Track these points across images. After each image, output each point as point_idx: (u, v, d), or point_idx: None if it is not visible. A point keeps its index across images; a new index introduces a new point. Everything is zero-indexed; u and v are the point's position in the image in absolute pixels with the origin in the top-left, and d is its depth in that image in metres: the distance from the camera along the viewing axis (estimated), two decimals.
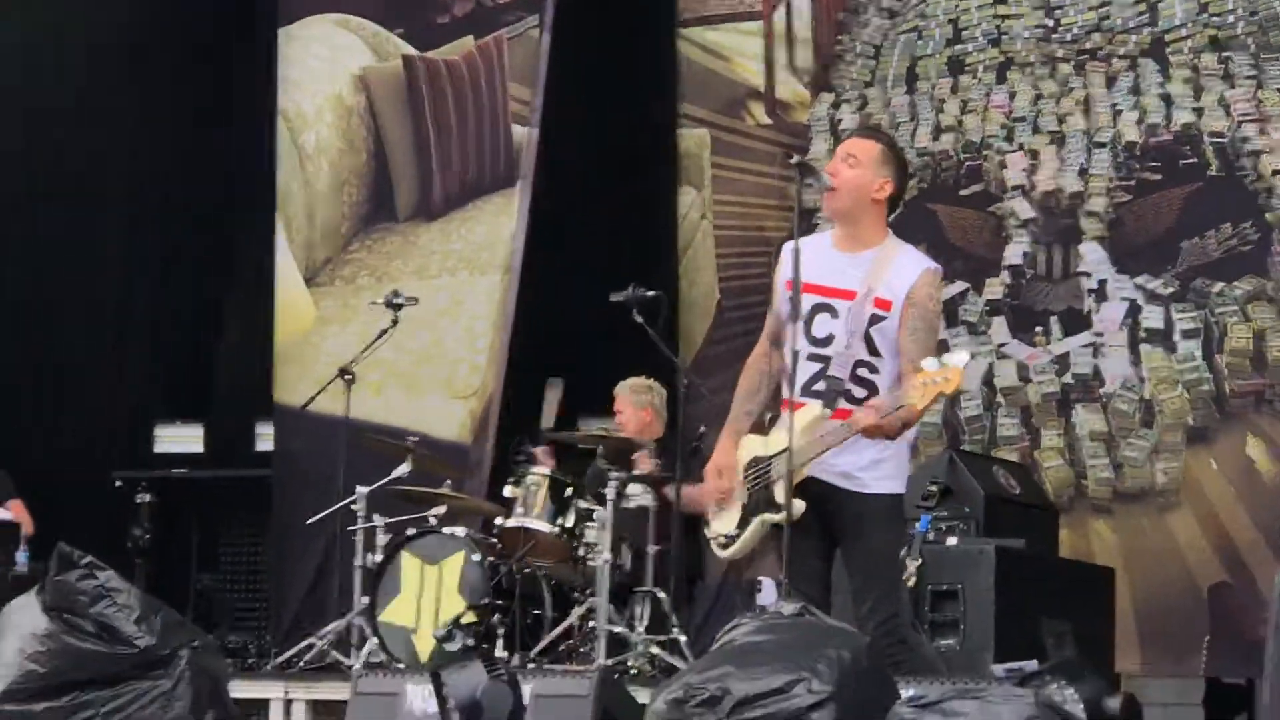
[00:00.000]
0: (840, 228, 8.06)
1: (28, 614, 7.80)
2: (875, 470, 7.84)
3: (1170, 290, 12.56)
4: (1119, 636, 11.27)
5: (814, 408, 7.76)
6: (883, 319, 7.80)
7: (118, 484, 14.61)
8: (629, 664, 10.70)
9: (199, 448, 15.68)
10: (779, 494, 7.71)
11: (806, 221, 9.42)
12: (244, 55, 15.98)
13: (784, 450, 7.61)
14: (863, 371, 7.79)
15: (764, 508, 7.81)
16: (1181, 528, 12.33)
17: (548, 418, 12.59)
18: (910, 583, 9.27)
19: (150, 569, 13.63)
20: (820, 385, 7.82)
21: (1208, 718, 11.96)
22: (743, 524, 7.90)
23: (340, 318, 14.61)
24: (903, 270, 7.96)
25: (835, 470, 7.76)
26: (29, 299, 16.64)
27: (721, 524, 8.02)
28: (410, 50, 14.93)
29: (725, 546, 8.03)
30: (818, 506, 7.71)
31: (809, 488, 7.68)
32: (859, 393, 7.75)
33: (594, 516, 11.34)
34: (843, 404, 7.71)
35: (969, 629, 9.39)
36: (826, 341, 7.87)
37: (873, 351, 7.80)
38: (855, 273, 7.89)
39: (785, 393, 7.79)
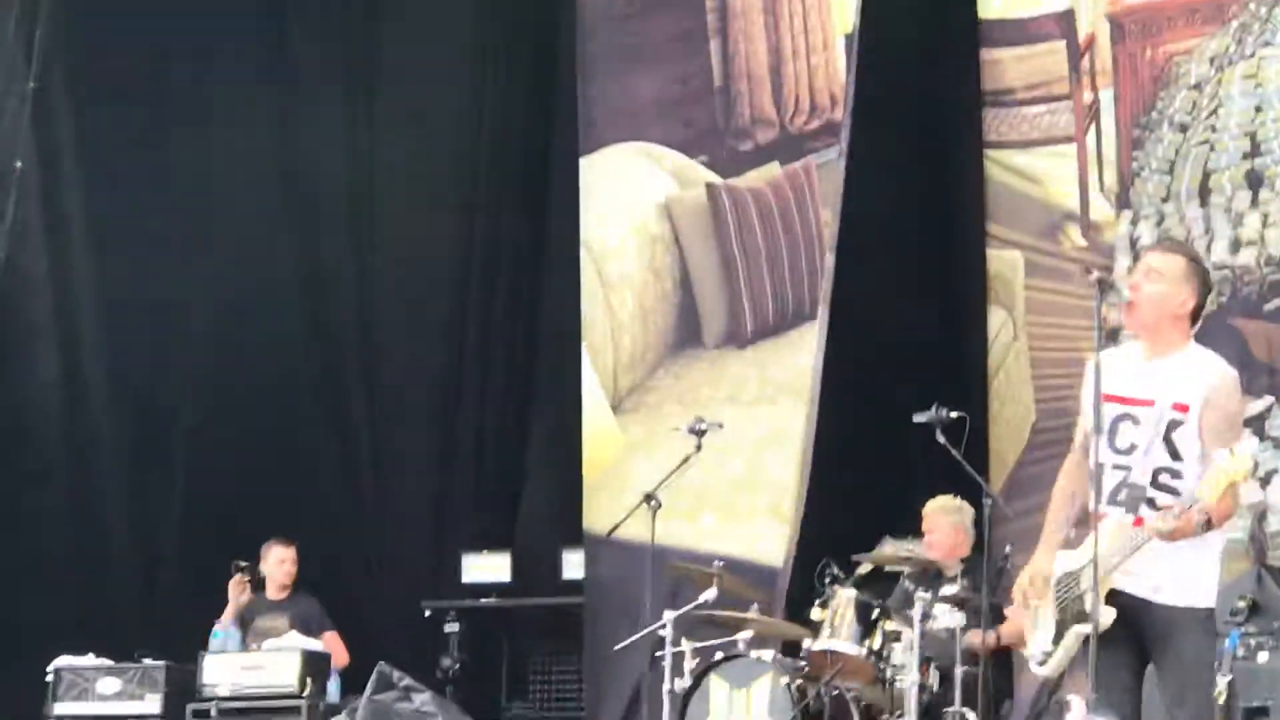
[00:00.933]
0: (1144, 340, 8.06)
1: None
2: (1185, 582, 7.78)
3: None
4: None
5: (1116, 515, 7.76)
6: (1181, 423, 7.78)
7: (427, 614, 15.06)
8: None
9: (506, 576, 15.82)
10: (1089, 604, 7.71)
11: (1114, 341, 9.48)
12: (547, 186, 16.39)
13: (1090, 561, 7.65)
14: (1164, 478, 7.75)
15: (1076, 620, 7.78)
16: None
17: None
18: (1220, 699, 9.28)
19: (460, 697, 13.87)
20: (1123, 494, 7.81)
21: None
22: (1058, 638, 7.88)
23: (648, 445, 14.76)
24: (1201, 373, 7.93)
25: (1146, 583, 7.73)
26: (344, 440, 17.24)
27: (1037, 641, 8.01)
28: (714, 178, 15.15)
29: (1043, 663, 7.97)
30: (1128, 619, 7.69)
31: (1119, 599, 7.69)
32: (1163, 499, 7.69)
33: (901, 638, 11.31)
34: (1144, 510, 7.67)
35: None
36: (1129, 450, 7.87)
37: (1174, 456, 7.77)
38: (1156, 380, 7.89)
39: (1091, 505, 7.83)
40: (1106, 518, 7.76)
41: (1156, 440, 7.79)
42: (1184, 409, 7.77)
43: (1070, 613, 7.83)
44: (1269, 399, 12.64)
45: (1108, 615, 7.61)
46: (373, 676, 8.63)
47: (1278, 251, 13.11)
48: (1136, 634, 7.77)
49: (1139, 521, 7.67)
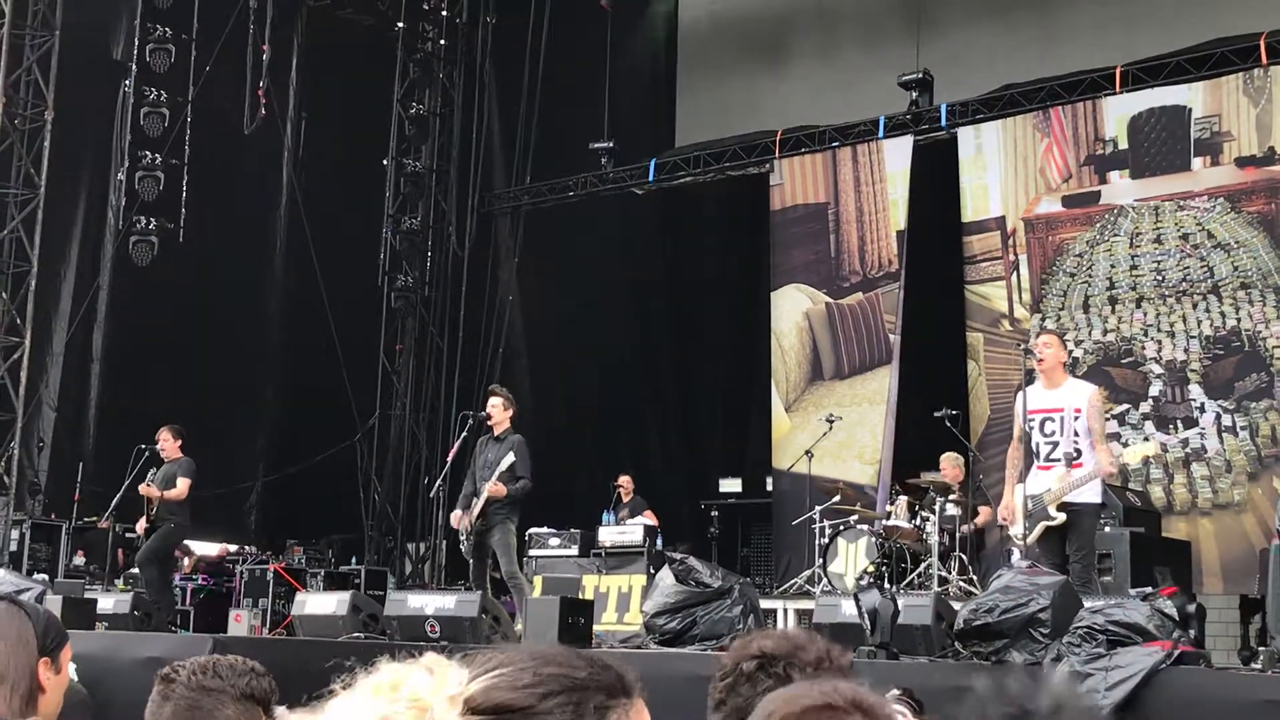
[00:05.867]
0: (1044, 379, 8.04)
1: (666, 577, 7.88)
2: (1086, 491, 7.80)
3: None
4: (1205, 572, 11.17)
5: (1058, 468, 7.71)
6: (1079, 417, 7.76)
7: (702, 507, 14.40)
8: (949, 591, 10.43)
9: (739, 488, 15.19)
10: (1052, 511, 7.73)
11: (1029, 379, 9.41)
12: (759, 302, 15.66)
13: (1043, 490, 7.74)
14: (1075, 446, 7.72)
15: (1041, 518, 7.71)
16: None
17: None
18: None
19: (716, 553, 13.15)
20: (1057, 454, 7.74)
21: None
22: (1030, 529, 7.71)
23: (803, 427, 14.47)
24: (1082, 391, 8.00)
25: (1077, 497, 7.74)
26: (662, 426, 16.73)
27: (1015, 530, 7.85)
28: (830, 300, 14.90)
29: (1023, 538, 7.75)
30: (1070, 518, 7.72)
31: (1067, 508, 7.71)
32: (1075, 455, 7.70)
33: (929, 519, 11.28)
34: (1071, 462, 7.73)
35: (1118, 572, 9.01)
36: (1052, 434, 7.78)
37: (1076, 435, 7.70)
38: (1056, 397, 7.89)
39: (1032, 463, 7.79)
40: (1051, 468, 7.74)
41: (1068, 428, 7.77)
42: (1079, 411, 7.79)
43: (1038, 515, 7.73)
44: (1126, 404, 12.70)
45: (1060, 516, 7.68)
46: (664, 557, 8.73)
47: (1125, 335, 13.00)
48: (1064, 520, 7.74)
49: (1076, 465, 7.68)
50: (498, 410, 10.06)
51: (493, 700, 1.36)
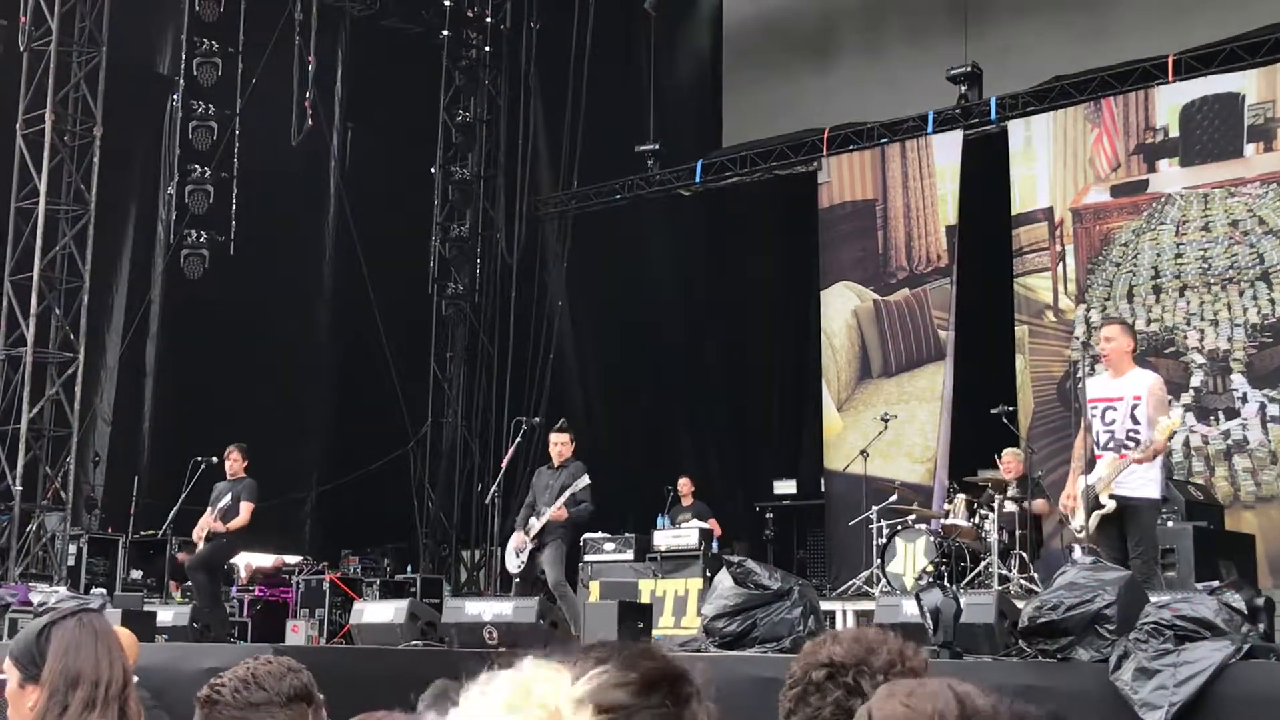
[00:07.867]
0: (1110, 369, 7.93)
1: (725, 580, 7.85)
2: (1146, 485, 7.72)
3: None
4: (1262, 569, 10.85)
5: (1109, 455, 7.65)
6: (1138, 405, 7.71)
7: (756, 509, 14.30)
8: (1010, 589, 10.24)
9: (793, 490, 15.07)
10: (1104, 498, 7.59)
11: (1074, 371, 9.39)
12: (811, 302, 15.68)
13: (1097, 479, 7.60)
14: (1131, 434, 7.64)
15: (1094, 508, 7.56)
16: None
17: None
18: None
19: (772, 555, 13.15)
20: (1111, 444, 7.67)
21: None
22: (1088, 520, 7.62)
23: (855, 426, 14.47)
24: (1144, 379, 7.94)
25: (1128, 488, 7.64)
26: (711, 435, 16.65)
27: (1076, 521, 7.75)
28: (877, 297, 14.85)
29: (1080, 531, 7.65)
30: (1120, 507, 7.57)
31: (1115, 498, 7.56)
32: (1130, 444, 7.64)
33: (989, 516, 11.21)
34: (1123, 450, 7.63)
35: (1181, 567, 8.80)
36: (1112, 423, 7.71)
37: (1135, 422, 7.66)
38: (1121, 387, 7.84)
39: (1094, 452, 7.73)
40: (1103, 456, 7.68)
41: (1126, 416, 7.72)
42: (1138, 398, 7.73)
43: (1090, 503, 7.62)
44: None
45: (1110, 505, 7.56)
46: (722, 559, 8.70)
47: (1168, 325, 12.88)
48: (1123, 514, 7.62)
49: (1123, 456, 7.60)
50: (566, 446, 10.37)
51: (608, 700, 1.40)
